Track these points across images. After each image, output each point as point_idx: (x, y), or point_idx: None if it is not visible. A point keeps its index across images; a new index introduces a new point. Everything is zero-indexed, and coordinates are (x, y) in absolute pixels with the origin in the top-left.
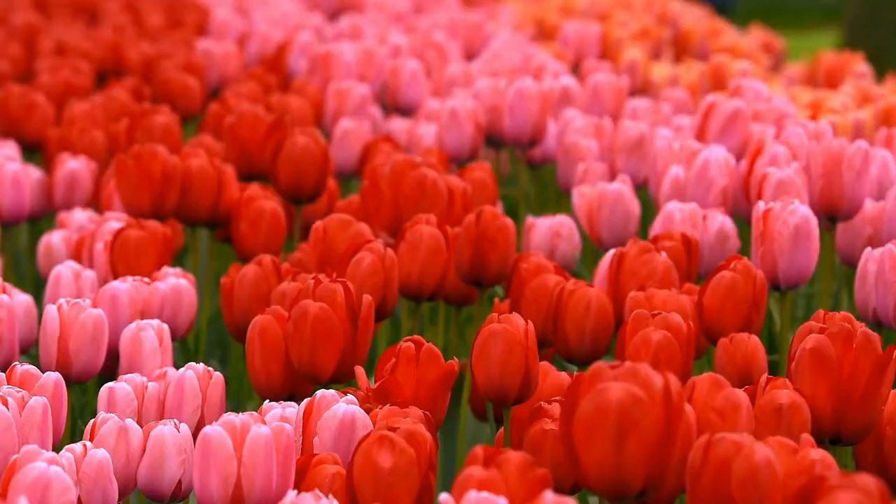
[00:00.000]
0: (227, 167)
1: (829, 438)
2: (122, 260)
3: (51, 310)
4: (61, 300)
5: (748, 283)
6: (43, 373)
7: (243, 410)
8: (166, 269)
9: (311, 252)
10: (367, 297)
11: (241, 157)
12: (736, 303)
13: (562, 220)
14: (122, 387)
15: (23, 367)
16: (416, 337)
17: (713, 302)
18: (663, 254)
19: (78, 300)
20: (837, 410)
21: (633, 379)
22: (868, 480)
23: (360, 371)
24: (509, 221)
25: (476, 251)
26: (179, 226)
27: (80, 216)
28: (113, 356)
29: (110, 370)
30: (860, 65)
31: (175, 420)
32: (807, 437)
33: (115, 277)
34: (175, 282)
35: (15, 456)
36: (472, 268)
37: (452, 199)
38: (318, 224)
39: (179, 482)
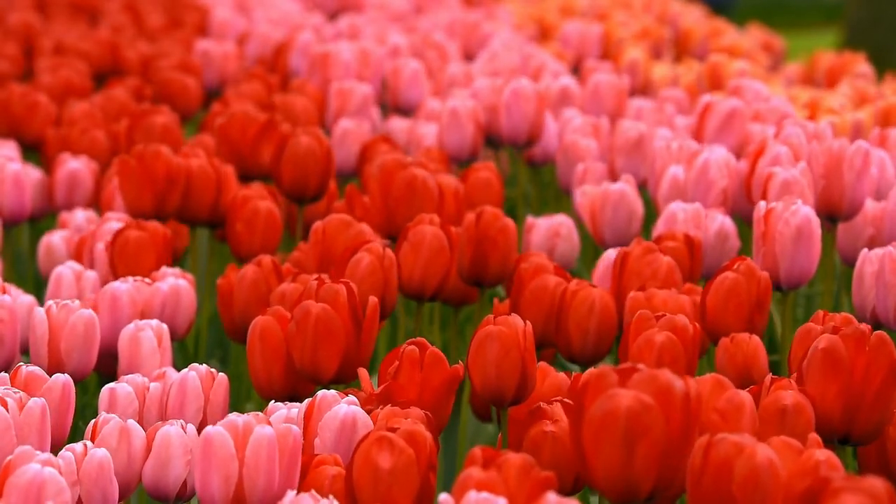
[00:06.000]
0: (226, 167)
1: (838, 439)
2: (122, 260)
3: (39, 312)
4: (50, 302)
5: (752, 285)
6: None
7: (243, 411)
8: (165, 270)
9: (311, 252)
10: (372, 299)
11: (233, 156)
12: (739, 304)
13: (561, 220)
14: (123, 387)
15: (28, 369)
16: (419, 340)
17: (716, 303)
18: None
19: (67, 301)
20: (848, 412)
21: (652, 384)
22: (875, 483)
23: (363, 373)
24: (510, 222)
25: (477, 252)
26: (182, 226)
27: (80, 216)
28: (114, 356)
29: (111, 370)
30: (859, 65)
31: (181, 421)
32: (814, 437)
33: (116, 278)
34: (174, 282)
35: (10, 457)
36: (473, 268)
37: (443, 199)
38: (318, 224)
39: (185, 483)
